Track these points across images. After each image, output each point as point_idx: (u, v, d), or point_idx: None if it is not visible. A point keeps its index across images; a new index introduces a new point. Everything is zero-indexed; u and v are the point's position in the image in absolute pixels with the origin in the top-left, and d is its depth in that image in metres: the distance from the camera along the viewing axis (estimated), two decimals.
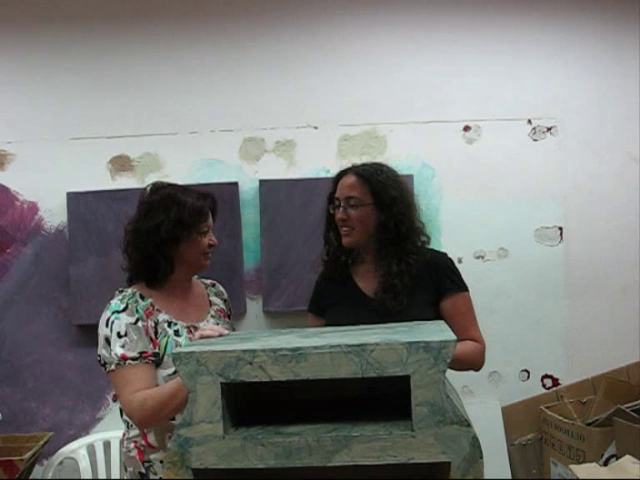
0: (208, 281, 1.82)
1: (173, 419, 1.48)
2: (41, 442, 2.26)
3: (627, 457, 1.72)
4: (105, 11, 2.54)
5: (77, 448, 2.38)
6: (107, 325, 1.52)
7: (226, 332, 1.42)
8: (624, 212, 2.57)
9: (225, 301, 1.82)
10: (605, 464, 2.00)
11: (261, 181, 2.50)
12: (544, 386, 2.55)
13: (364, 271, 1.79)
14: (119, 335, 1.49)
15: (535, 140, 2.57)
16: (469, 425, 0.97)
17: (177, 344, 1.53)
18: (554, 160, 2.56)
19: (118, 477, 2.35)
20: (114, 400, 2.46)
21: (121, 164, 2.53)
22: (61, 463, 2.35)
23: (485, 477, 0.98)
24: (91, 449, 2.40)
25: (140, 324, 1.52)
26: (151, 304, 1.57)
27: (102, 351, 1.52)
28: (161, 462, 1.51)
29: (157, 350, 1.52)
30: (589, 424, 2.20)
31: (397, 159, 2.39)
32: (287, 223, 2.48)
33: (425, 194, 2.47)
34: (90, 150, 2.52)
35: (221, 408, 1.01)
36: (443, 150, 2.54)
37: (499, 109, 2.56)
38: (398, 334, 1.09)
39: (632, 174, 2.58)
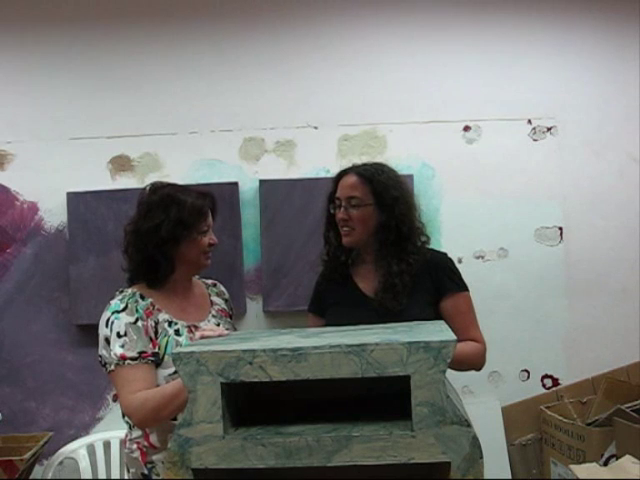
0: (209, 281, 1.82)
1: (175, 419, 1.48)
2: (41, 442, 2.26)
3: (627, 457, 1.72)
4: (105, 11, 2.54)
5: (77, 448, 2.38)
6: (107, 325, 1.52)
7: (226, 332, 1.42)
8: (624, 212, 2.57)
9: (226, 301, 1.82)
10: (605, 464, 2.00)
11: (261, 181, 2.50)
12: (544, 386, 2.55)
13: (364, 271, 1.79)
14: (119, 335, 1.49)
15: (535, 140, 2.57)
16: (469, 425, 0.97)
17: (177, 343, 1.53)
18: (554, 160, 2.56)
19: (118, 477, 2.35)
20: (114, 400, 2.46)
21: (121, 164, 2.53)
22: (61, 463, 2.36)
23: (485, 477, 0.98)
24: (91, 449, 2.40)
25: (140, 324, 1.52)
26: (151, 304, 1.57)
27: (102, 351, 1.52)
28: (163, 463, 1.51)
29: (157, 350, 1.52)
30: (589, 424, 2.21)
31: (397, 159, 2.39)
32: (287, 223, 2.48)
33: (425, 194, 2.47)
34: (90, 150, 2.52)
35: (221, 408, 1.00)
36: (443, 150, 2.54)
37: (499, 109, 2.56)
38: (398, 334, 1.09)
39: (632, 174, 2.58)
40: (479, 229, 2.54)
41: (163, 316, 1.57)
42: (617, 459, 1.93)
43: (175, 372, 1.45)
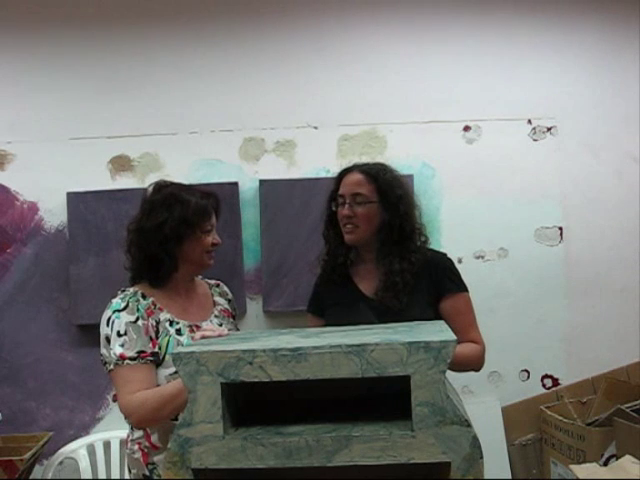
0: (212, 281, 1.82)
1: (176, 419, 1.47)
2: (41, 442, 2.26)
3: (627, 457, 1.72)
4: (105, 12, 2.54)
5: (77, 448, 2.38)
6: (108, 324, 1.52)
7: (226, 332, 1.42)
8: (624, 212, 2.57)
9: (229, 301, 1.82)
10: (605, 464, 2.00)
11: (261, 181, 2.50)
12: (544, 386, 2.55)
13: (364, 271, 1.79)
14: (119, 334, 1.49)
15: (535, 140, 2.57)
16: (469, 425, 0.97)
17: (179, 343, 1.53)
18: (554, 160, 2.56)
19: (118, 477, 2.35)
20: (114, 400, 2.46)
21: (121, 164, 2.53)
22: (61, 463, 2.36)
23: (485, 477, 0.98)
24: (91, 449, 2.40)
25: (140, 323, 1.52)
26: (153, 303, 1.57)
27: (103, 350, 1.52)
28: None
29: (156, 350, 1.51)
30: (589, 424, 2.21)
31: (397, 159, 2.38)
32: (287, 223, 2.48)
33: (425, 194, 2.47)
34: (90, 150, 2.52)
35: (221, 408, 1.01)
36: (443, 150, 2.54)
37: (499, 109, 2.56)
38: (398, 334, 1.09)
39: (632, 174, 2.58)
40: (479, 229, 2.54)
41: (164, 315, 1.57)
42: (617, 459, 1.93)
43: (176, 372, 1.46)
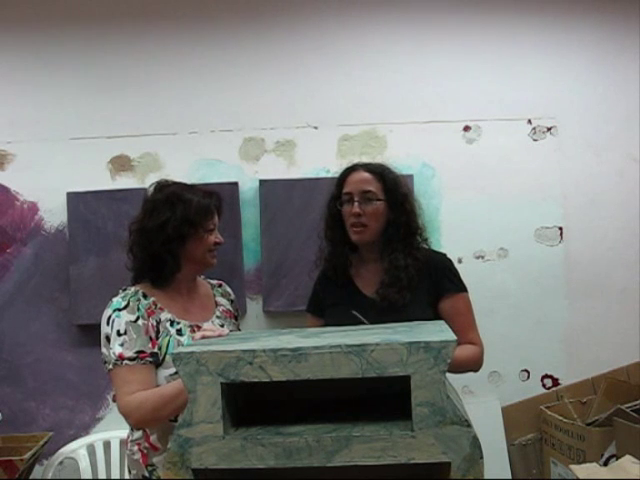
0: (215, 281, 1.82)
1: (175, 420, 1.47)
2: (41, 442, 2.26)
3: (627, 457, 1.72)
4: (105, 11, 2.54)
5: (77, 448, 2.38)
6: (108, 323, 1.52)
7: (226, 332, 1.42)
8: (624, 212, 2.57)
9: (232, 302, 1.81)
10: (605, 464, 2.00)
11: (261, 181, 2.50)
12: (544, 386, 2.55)
13: (364, 271, 1.79)
14: (119, 333, 1.49)
15: (535, 140, 2.57)
16: (469, 425, 0.97)
17: (179, 343, 1.53)
18: (554, 160, 2.56)
19: (118, 477, 2.35)
20: (114, 400, 2.46)
21: (121, 164, 2.53)
22: (61, 463, 2.36)
23: (485, 477, 0.98)
24: (91, 449, 2.40)
25: (140, 322, 1.51)
26: (154, 302, 1.57)
27: (103, 349, 1.52)
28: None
29: (156, 350, 1.51)
30: (589, 424, 2.20)
31: (397, 159, 2.38)
32: (287, 223, 2.48)
33: (425, 194, 2.47)
34: (90, 150, 2.52)
35: (221, 408, 1.00)
36: (443, 150, 2.54)
37: (499, 109, 2.56)
38: (398, 334, 1.09)
39: (632, 174, 2.58)
40: (479, 229, 2.54)
41: (165, 315, 1.57)
42: (617, 459, 1.93)
43: (176, 372, 1.46)
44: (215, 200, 1.66)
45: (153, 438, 1.54)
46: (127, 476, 1.63)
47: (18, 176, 2.52)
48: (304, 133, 2.54)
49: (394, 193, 1.73)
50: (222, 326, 1.64)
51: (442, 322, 1.37)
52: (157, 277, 1.59)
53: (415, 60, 2.57)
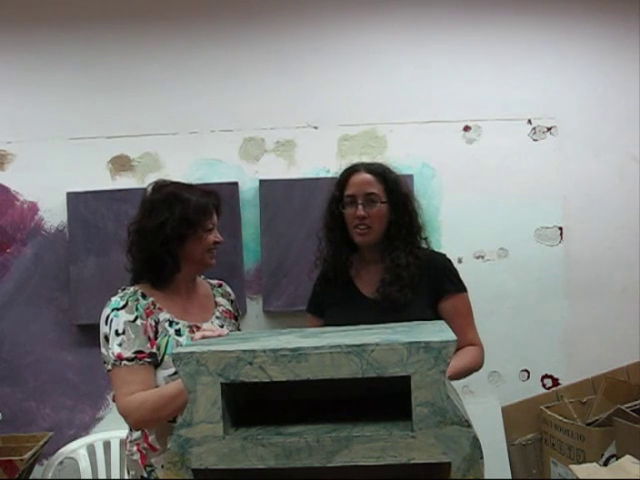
0: (215, 281, 1.81)
1: (174, 421, 1.47)
2: (41, 442, 2.26)
3: (627, 457, 1.72)
4: (105, 11, 2.54)
5: (77, 448, 2.38)
6: (106, 323, 1.51)
7: (225, 333, 1.41)
8: (624, 212, 2.57)
9: (232, 302, 1.80)
10: (605, 464, 2.00)
11: (261, 181, 2.50)
12: (544, 386, 2.55)
13: (364, 272, 1.79)
14: (117, 333, 1.49)
15: (535, 140, 2.57)
16: (469, 425, 0.97)
17: (178, 344, 1.52)
18: (554, 160, 2.56)
19: (118, 477, 2.35)
20: (114, 400, 2.46)
21: (121, 164, 2.53)
22: (61, 463, 2.36)
23: (485, 477, 0.98)
24: (91, 449, 2.40)
25: (139, 322, 1.51)
26: (152, 303, 1.56)
27: (102, 350, 1.52)
28: (163, 466, 1.50)
29: (154, 350, 1.51)
30: (589, 424, 2.20)
31: (397, 159, 2.37)
32: (287, 223, 2.48)
33: (425, 194, 2.47)
34: (90, 150, 2.52)
35: (221, 408, 1.00)
36: (443, 150, 2.54)
37: (499, 109, 2.56)
38: (398, 334, 1.09)
39: (632, 174, 2.58)
40: (479, 229, 2.54)
41: (164, 315, 1.56)
42: (617, 459, 1.93)
43: (175, 373, 1.45)
44: (214, 199, 1.65)
45: (151, 438, 1.54)
46: (127, 476, 1.62)
47: (18, 176, 2.52)
48: (304, 133, 2.54)
49: (396, 194, 1.73)
50: (222, 326, 1.63)
51: (442, 322, 1.37)
52: (156, 278, 1.59)
53: (415, 60, 2.57)
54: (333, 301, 1.80)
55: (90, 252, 2.46)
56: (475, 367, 1.70)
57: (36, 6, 2.54)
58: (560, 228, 2.55)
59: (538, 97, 2.57)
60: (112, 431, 2.40)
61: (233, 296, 1.83)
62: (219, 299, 1.76)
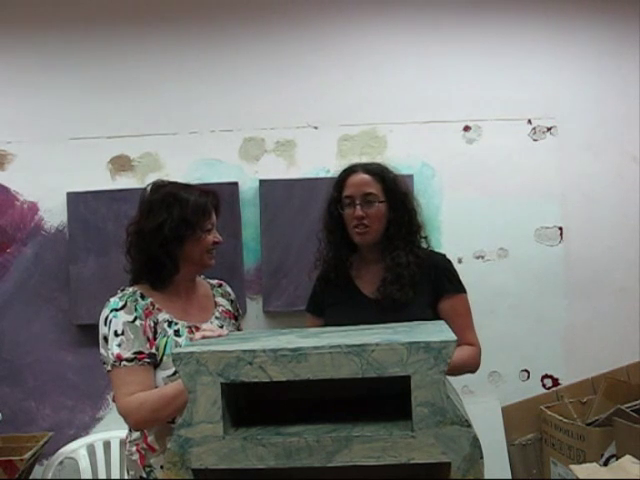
0: (215, 281, 1.80)
1: (173, 422, 1.47)
2: (41, 442, 2.26)
3: (627, 457, 1.72)
4: (105, 11, 2.54)
5: (77, 448, 2.38)
6: (105, 323, 1.51)
7: (225, 333, 1.41)
8: (624, 212, 2.57)
9: (232, 302, 1.79)
10: (605, 464, 2.00)
11: (261, 181, 2.50)
12: (544, 386, 2.55)
13: (364, 272, 1.79)
14: (116, 334, 1.48)
15: (535, 140, 2.57)
16: (469, 425, 0.97)
17: (177, 344, 1.52)
18: (554, 160, 2.56)
19: (118, 477, 2.35)
20: (114, 400, 2.46)
21: (121, 164, 2.53)
22: (61, 463, 2.36)
23: (485, 477, 0.98)
24: (91, 449, 2.40)
25: (138, 323, 1.51)
26: (151, 303, 1.56)
27: (101, 350, 1.51)
28: (162, 467, 1.50)
29: (153, 351, 1.50)
30: (589, 424, 2.20)
31: (397, 159, 2.38)
32: (287, 223, 2.48)
33: (425, 194, 2.47)
34: (90, 150, 2.52)
35: (221, 408, 1.00)
36: (443, 150, 2.54)
37: (499, 109, 2.56)
38: (398, 334, 1.09)
39: (632, 174, 2.59)
40: (479, 229, 2.54)
41: (163, 316, 1.56)
42: (617, 459, 1.93)
43: (174, 374, 1.46)
44: (212, 199, 1.63)
45: (150, 439, 1.53)
46: (126, 476, 1.62)
47: (18, 176, 2.52)
48: (304, 133, 2.54)
49: (394, 193, 1.73)
50: (221, 327, 1.63)
51: (442, 322, 1.37)
52: (155, 279, 1.58)
53: (415, 60, 2.57)
54: (333, 301, 1.80)
55: (90, 252, 2.46)
56: (470, 365, 1.70)
57: (36, 7, 2.54)
58: (560, 228, 2.55)
59: (538, 97, 2.57)
60: (112, 431, 2.40)
61: (233, 296, 1.82)
62: (219, 299, 1.75)
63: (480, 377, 2.28)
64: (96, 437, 2.43)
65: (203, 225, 1.59)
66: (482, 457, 0.97)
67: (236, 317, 1.79)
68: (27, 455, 2.13)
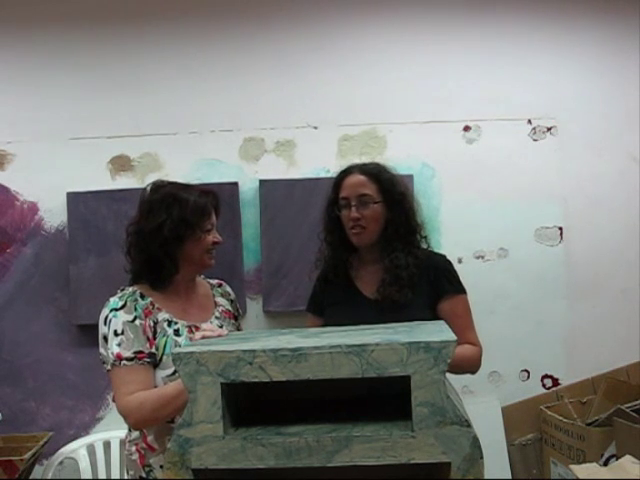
0: (214, 281, 1.80)
1: (172, 421, 1.47)
2: (41, 442, 2.26)
3: (627, 457, 1.72)
4: (105, 11, 2.55)
5: (77, 448, 2.38)
6: (105, 323, 1.51)
7: (225, 333, 1.41)
8: (624, 212, 2.57)
9: (232, 302, 1.80)
10: (605, 464, 2.00)
11: (261, 181, 2.50)
12: (544, 386, 2.55)
13: (364, 272, 1.79)
14: (116, 333, 1.48)
15: (535, 140, 2.57)
16: (469, 425, 0.97)
17: (176, 344, 1.52)
18: (554, 160, 2.56)
19: (118, 477, 2.35)
20: (114, 400, 2.46)
21: (121, 164, 2.53)
22: (61, 463, 2.36)
23: (485, 477, 0.98)
24: (91, 449, 2.40)
25: (138, 322, 1.51)
26: (151, 303, 1.56)
27: (101, 350, 1.51)
28: (161, 467, 1.50)
29: (153, 350, 1.50)
30: (589, 424, 2.20)
31: (397, 159, 2.38)
32: (287, 223, 2.48)
33: (425, 194, 2.47)
34: (90, 150, 2.52)
35: (221, 408, 1.00)
36: (443, 150, 2.54)
37: (499, 109, 2.56)
38: (398, 334, 1.09)
39: (632, 174, 2.59)
40: (479, 229, 2.54)
41: (163, 315, 1.56)
42: (617, 459, 1.93)
43: (173, 373, 1.46)
44: (212, 199, 1.63)
45: (150, 439, 1.53)
46: (126, 476, 1.62)
47: (18, 176, 2.52)
48: (304, 133, 2.54)
49: (391, 193, 1.73)
50: (221, 326, 1.63)
51: (442, 322, 1.37)
52: (155, 279, 1.58)
53: (415, 60, 2.57)
54: (333, 301, 1.80)
55: (90, 252, 2.46)
56: (471, 364, 1.70)
57: (36, 6, 2.54)
58: (560, 228, 2.55)
59: (538, 97, 2.57)
60: (112, 431, 2.40)
61: (233, 296, 1.82)
62: (218, 299, 1.75)
63: (480, 377, 2.27)
64: (96, 437, 2.43)
65: (203, 225, 1.59)
66: (482, 457, 0.97)
67: (236, 317, 1.79)
68: (27, 455, 2.13)
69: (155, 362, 1.50)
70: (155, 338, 1.52)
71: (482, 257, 2.55)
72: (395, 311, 1.64)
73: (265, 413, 1.14)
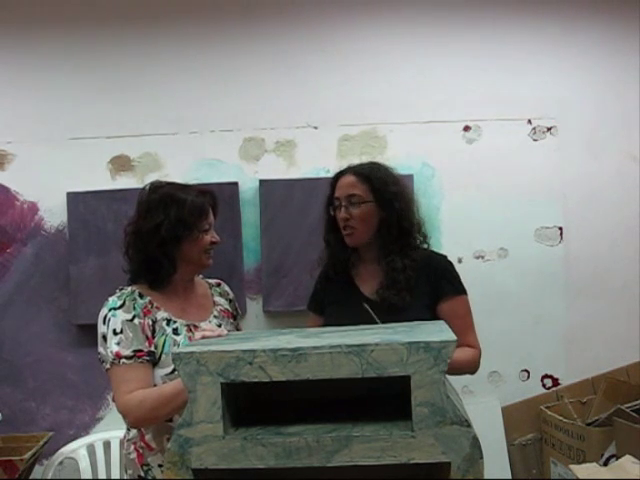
0: (213, 281, 1.81)
1: (171, 420, 1.47)
2: (41, 442, 2.26)
3: (627, 457, 1.72)
4: (105, 11, 2.54)
5: (77, 448, 2.38)
6: (104, 322, 1.51)
7: (225, 333, 1.41)
8: (624, 212, 2.57)
9: (230, 301, 1.80)
10: (605, 464, 2.00)
11: (261, 181, 2.50)
12: (544, 386, 2.55)
13: (364, 272, 1.80)
14: (115, 332, 1.49)
15: (535, 140, 2.57)
16: (469, 425, 0.97)
17: (175, 343, 1.53)
18: (554, 160, 2.56)
19: (118, 477, 2.35)
20: (114, 400, 2.46)
21: (121, 164, 2.53)
22: (61, 463, 2.35)
23: (485, 477, 0.98)
24: (91, 449, 2.39)
25: (137, 321, 1.51)
26: (150, 302, 1.56)
27: (100, 349, 1.51)
28: (159, 466, 1.51)
29: (152, 349, 1.51)
30: (589, 424, 2.21)
31: (397, 159, 2.39)
32: (287, 223, 2.48)
33: (425, 194, 2.47)
34: (90, 150, 2.52)
35: (221, 408, 1.00)
36: (443, 150, 2.54)
37: (499, 109, 2.56)
38: (398, 334, 1.09)
39: (632, 174, 2.59)
40: (479, 229, 2.54)
41: (162, 314, 1.56)
42: (617, 459, 1.93)
43: (172, 372, 1.46)
44: (209, 199, 1.64)
45: (148, 437, 1.54)
46: (125, 476, 1.62)
47: (18, 176, 2.52)
48: (304, 133, 2.54)
49: (382, 193, 1.72)
50: (219, 326, 1.63)
51: (442, 322, 1.36)
52: (153, 279, 1.59)
53: (415, 60, 2.57)
54: (333, 300, 1.81)
55: (90, 252, 2.46)
56: (469, 366, 1.70)
57: (36, 6, 2.54)
58: (560, 228, 2.55)
59: (538, 97, 2.57)
60: (112, 431, 2.39)
61: (232, 295, 1.83)
62: (217, 298, 1.75)
63: (480, 377, 2.28)
64: (96, 437, 2.43)
65: (200, 225, 1.60)
66: (482, 457, 0.97)
67: (235, 316, 1.79)
68: (27, 455, 2.13)
69: (154, 361, 1.51)
70: (154, 337, 1.52)
71: (482, 257, 2.55)
72: (394, 314, 1.63)
73: (265, 413, 1.14)
